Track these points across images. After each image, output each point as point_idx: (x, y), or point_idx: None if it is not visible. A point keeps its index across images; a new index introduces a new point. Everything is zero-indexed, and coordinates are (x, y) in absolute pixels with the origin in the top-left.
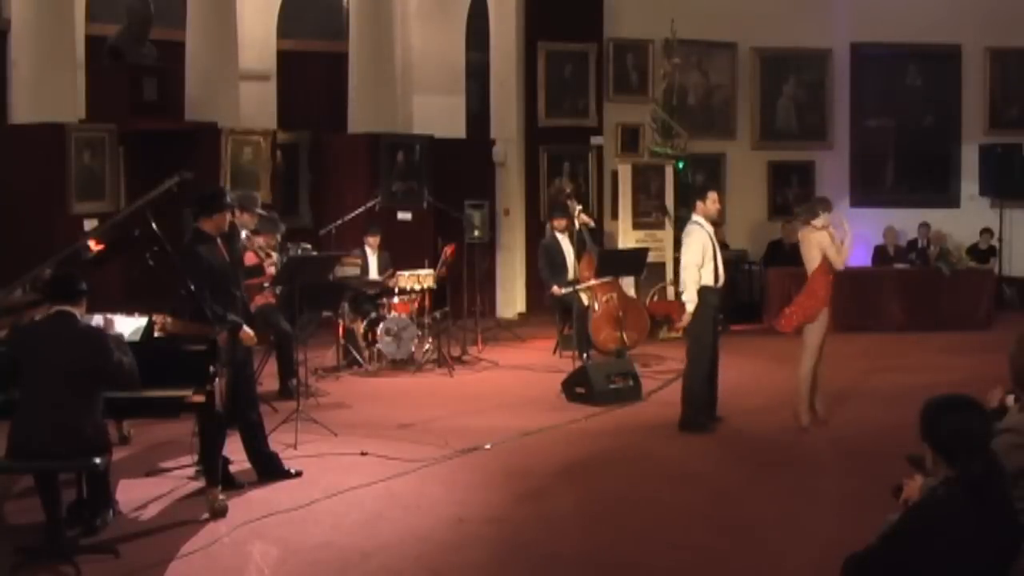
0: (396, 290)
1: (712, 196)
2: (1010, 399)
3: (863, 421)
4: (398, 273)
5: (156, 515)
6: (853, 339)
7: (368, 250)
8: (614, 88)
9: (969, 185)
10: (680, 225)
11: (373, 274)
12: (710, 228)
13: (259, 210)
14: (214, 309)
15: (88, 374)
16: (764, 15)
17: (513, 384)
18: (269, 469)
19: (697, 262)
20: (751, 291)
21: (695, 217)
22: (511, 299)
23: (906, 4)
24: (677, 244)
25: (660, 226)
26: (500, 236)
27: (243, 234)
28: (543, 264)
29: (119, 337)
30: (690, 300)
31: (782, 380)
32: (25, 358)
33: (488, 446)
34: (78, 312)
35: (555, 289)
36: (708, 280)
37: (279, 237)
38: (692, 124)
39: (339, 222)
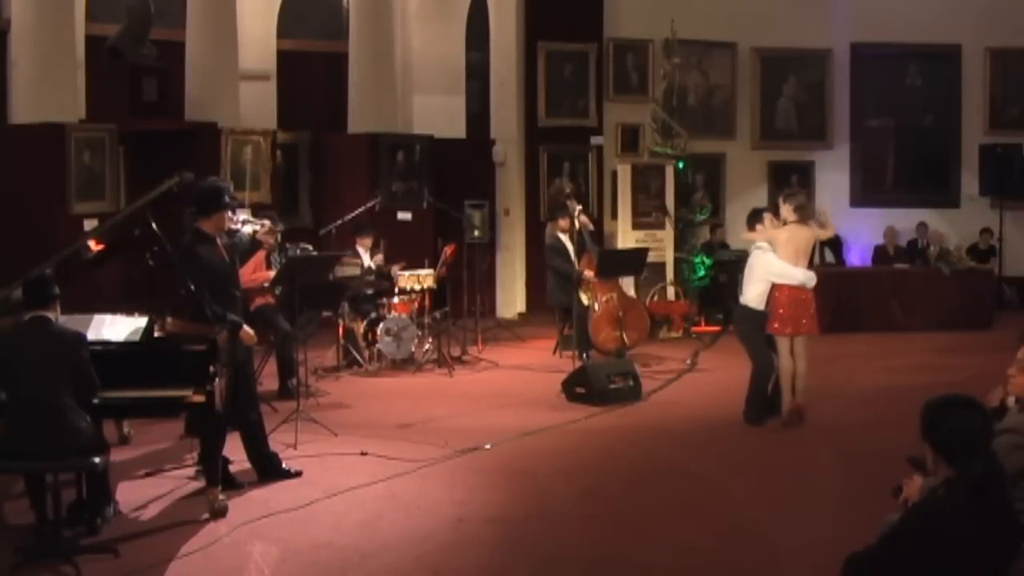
0: (396, 290)
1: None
2: (1011, 400)
3: (862, 421)
4: (398, 273)
5: (156, 515)
6: (853, 339)
7: (361, 250)
8: (614, 88)
9: (969, 185)
10: (680, 225)
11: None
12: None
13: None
14: (214, 309)
15: (70, 372)
16: (764, 15)
17: (513, 384)
18: (269, 469)
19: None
20: None
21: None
22: (511, 299)
23: (906, 4)
24: (677, 244)
25: (660, 226)
26: (500, 236)
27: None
28: (559, 261)
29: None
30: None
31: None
32: (8, 363)
33: (488, 446)
34: (52, 315)
35: (587, 273)
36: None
37: (279, 236)
38: (692, 124)
39: (339, 222)
